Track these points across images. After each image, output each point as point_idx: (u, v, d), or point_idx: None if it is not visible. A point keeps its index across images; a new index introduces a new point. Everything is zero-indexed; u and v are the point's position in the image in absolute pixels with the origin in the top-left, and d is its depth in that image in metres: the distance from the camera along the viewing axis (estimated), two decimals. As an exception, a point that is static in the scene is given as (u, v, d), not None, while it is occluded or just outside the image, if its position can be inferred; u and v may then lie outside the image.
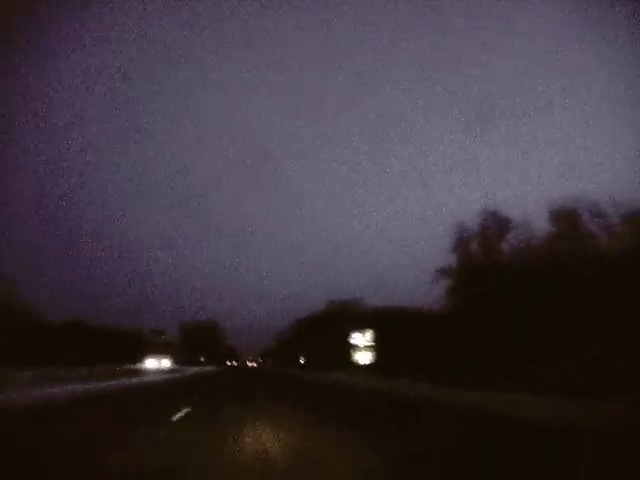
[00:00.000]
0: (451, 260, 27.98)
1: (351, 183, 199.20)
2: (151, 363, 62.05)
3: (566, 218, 24.30)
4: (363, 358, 56.01)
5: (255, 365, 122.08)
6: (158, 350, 76.77)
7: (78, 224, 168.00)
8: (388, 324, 56.73)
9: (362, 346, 56.97)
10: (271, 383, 29.27)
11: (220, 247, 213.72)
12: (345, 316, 63.27)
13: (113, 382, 22.07)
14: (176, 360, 77.22)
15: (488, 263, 24.42)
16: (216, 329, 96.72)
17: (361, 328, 56.90)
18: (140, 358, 64.50)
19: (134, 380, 26.12)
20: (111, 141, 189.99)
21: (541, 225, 24.79)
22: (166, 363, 71.34)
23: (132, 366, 53.13)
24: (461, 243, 25.45)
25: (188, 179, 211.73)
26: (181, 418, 9.96)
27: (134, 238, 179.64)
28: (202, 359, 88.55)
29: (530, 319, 23.81)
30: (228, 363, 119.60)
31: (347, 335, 58.14)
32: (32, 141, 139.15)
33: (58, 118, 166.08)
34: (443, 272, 26.53)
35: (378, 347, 53.58)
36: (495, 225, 24.77)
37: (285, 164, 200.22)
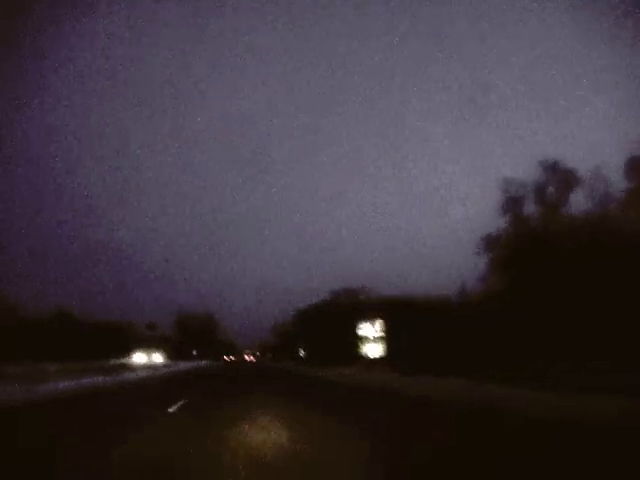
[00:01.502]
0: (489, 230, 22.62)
1: (357, 162, 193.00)
2: (139, 358, 56.91)
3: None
4: (372, 351, 50.97)
5: (253, 359, 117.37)
6: (150, 344, 71.89)
7: (70, 216, 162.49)
8: (401, 313, 51.91)
9: (371, 338, 51.84)
10: (270, 383, 23.76)
11: (218, 237, 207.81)
12: (351, 306, 58.19)
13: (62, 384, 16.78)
14: (169, 354, 72.09)
15: (549, 227, 19.16)
16: (211, 321, 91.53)
17: (370, 318, 51.85)
18: (129, 352, 59.37)
19: (92, 380, 20.64)
20: (103, 134, 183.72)
21: (615, 181, 19.50)
22: (158, 358, 66.36)
23: (116, 361, 48.29)
24: (513, 204, 20.11)
25: (184, 167, 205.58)
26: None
27: (128, 233, 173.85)
28: (194, 352, 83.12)
29: (597, 297, 18.68)
30: (226, 358, 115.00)
31: (354, 326, 53.04)
32: (23, 135, 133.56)
33: (54, 114, 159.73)
34: (489, 241, 21.14)
35: (390, 339, 48.66)
36: (557, 180, 19.44)
37: (284, 150, 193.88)
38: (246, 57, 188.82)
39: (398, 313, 51.22)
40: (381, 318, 50.44)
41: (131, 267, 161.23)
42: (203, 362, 71.33)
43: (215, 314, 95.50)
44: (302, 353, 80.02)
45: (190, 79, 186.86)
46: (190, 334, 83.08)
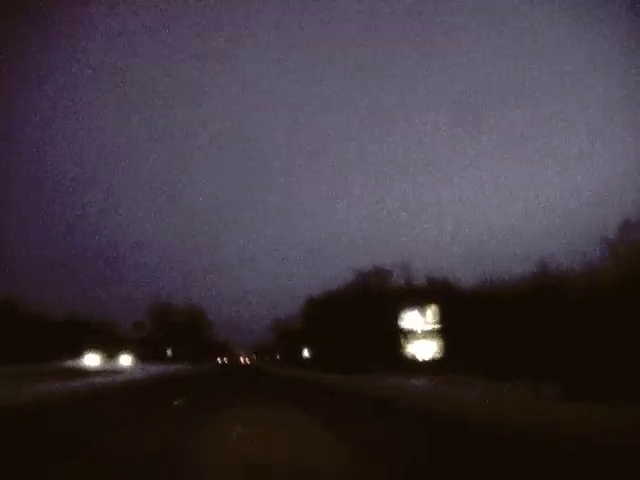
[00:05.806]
0: None
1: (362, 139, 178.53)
2: (92, 360, 41.92)
3: None
4: (422, 351, 36.17)
5: (249, 362, 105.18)
6: (117, 343, 57.00)
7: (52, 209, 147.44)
8: (466, 301, 37.40)
9: (420, 332, 36.92)
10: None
11: (213, 225, 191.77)
12: (384, 291, 43.54)
13: None
14: (141, 356, 56.90)
15: None
16: (200, 317, 76.13)
17: (416, 305, 37.16)
18: (81, 353, 44.41)
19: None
20: (90, 124, 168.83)
21: None
22: (126, 360, 51.23)
23: (58, 365, 34.31)
24: None
25: (178, 157, 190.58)
26: None
27: (114, 227, 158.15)
28: (169, 353, 67.32)
29: None
30: (219, 360, 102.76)
31: (390, 317, 38.28)
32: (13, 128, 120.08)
33: (49, 109, 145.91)
34: None
35: (449, 333, 34.02)
36: None
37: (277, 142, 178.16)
38: (246, 55, 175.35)
39: (462, 300, 36.63)
40: (435, 304, 35.80)
41: (116, 262, 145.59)
42: (176, 366, 54.63)
43: (207, 311, 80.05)
44: (307, 354, 66.18)
45: (188, 75, 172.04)
46: (170, 331, 67.83)
